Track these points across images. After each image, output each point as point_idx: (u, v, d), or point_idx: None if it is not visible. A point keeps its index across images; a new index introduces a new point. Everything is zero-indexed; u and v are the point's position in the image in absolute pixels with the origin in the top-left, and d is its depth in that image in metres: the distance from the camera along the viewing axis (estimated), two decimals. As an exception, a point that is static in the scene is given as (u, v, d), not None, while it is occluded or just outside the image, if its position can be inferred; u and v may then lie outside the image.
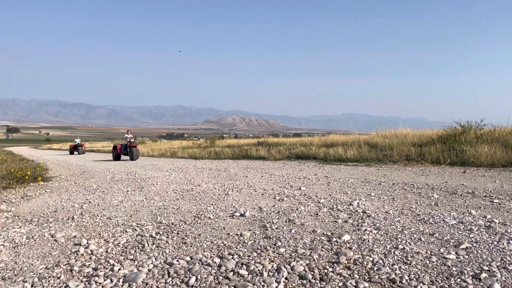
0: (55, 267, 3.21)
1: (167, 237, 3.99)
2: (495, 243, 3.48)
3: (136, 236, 4.10)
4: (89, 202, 6.35)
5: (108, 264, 3.24)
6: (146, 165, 16.32)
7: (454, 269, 2.91)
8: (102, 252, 3.56)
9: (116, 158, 22.63)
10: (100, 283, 2.87)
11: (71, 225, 4.70)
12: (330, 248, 3.49)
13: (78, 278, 2.98)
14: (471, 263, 3.02)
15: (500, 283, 2.65)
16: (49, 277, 3.00)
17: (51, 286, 2.85)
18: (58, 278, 2.99)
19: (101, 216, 5.16)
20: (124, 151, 22.44)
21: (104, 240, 3.97)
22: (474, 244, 3.46)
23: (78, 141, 38.81)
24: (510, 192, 6.26)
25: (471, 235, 3.75)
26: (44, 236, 4.20)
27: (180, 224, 4.55)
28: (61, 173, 12.68)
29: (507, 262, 3.02)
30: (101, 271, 3.08)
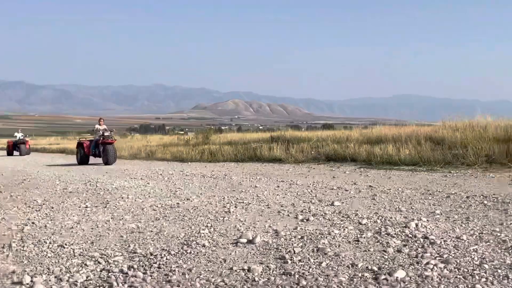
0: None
1: (144, 273, 4.02)
2: None
3: (100, 271, 4.13)
4: (33, 223, 6.41)
5: (62, 312, 3.28)
6: (112, 171, 16.46)
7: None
8: (52, 295, 3.60)
9: (82, 161, 22.31)
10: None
11: (7, 255, 4.75)
12: (377, 289, 3.50)
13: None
14: None
15: None
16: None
17: None
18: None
19: (50, 242, 5.21)
20: (94, 150, 21.71)
21: (55, 277, 4.00)
22: None
23: (19, 136, 37.14)
24: None
25: None
26: (-30, 271, 4.25)
27: (163, 255, 4.58)
28: (-8, 182, 12.81)
29: None
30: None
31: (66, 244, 5.11)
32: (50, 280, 3.91)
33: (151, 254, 4.62)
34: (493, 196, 7.77)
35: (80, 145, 22.74)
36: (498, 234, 5.04)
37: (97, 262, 4.41)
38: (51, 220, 6.62)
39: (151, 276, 3.97)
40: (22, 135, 36.92)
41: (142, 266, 4.24)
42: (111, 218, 6.69)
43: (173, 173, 14.45)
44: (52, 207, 7.83)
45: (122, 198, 8.76)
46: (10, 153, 35.79)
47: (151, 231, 5.72)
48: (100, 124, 22.19)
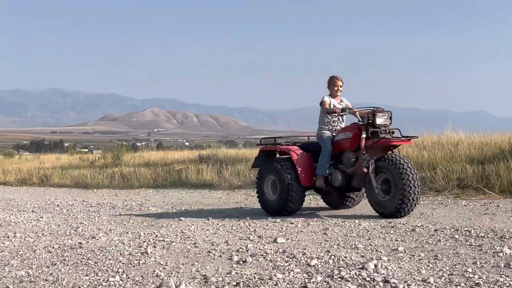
0: None
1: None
2: None
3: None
4: None
5: None
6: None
7: None
8: None
9: None
10: None
11: None
12: None
13: None
14: None
15: None
16: None
17: None
18: None
19: None
20: None
21: None
22: None
23: None
24: None
25: None
26: None
27: (61, 311, 4.54)
28: None
29: None
30: None
31: None
32: None
33: (46, 310, 4.56)
34: (465, 229, 8.02)
35: None
36: (471, 276, 5.21)
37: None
38: None
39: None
40: None
41: (35, 325, 4.19)
42: (-6, 263, 6.55)
43: (74, 204, 14.24)
44: None
45: (8, 237, 8.57)
46: None
47: (46, 279, 5.62)
48: None
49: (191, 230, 8.74)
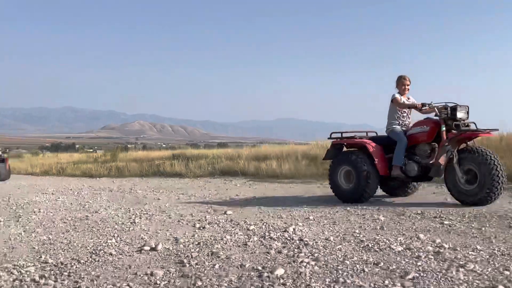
0: None
1: (55, 281, 3.90)
2: (444, 271, 3.82)
3: (13, 281, 3.96)
4: None
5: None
6: (23, 186, 15.59)
7: (401, 303, 3.17)
8: (-33, 305, 3.42)
9: None
10: None
11: None
12: (260, 285, 3.61)
13: None
14: (419, 296, 3.30)
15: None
16: None
17: None
18: None
19: (-36, 256, 4.91)
20: None
21: (-30, 288, 3.80)
22: (422, 274, 3.77)
23: None
24: (461, 212, 6.78)
25: (419, 263, 4.07)
26: None
27: (72, 264, 4.46)
28: None
29: (457, 293, 3.34)
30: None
31: (-20, 257, 4.84)
32: (-36, 292, 3.70)
33: (62, 264, 4.48)
34: (357, 204, 8.15)
35: None
36: (358, 236, 5.35)
37: (10, 273, 4.22)
38: (-36, 234, 6.20)
39: (61, 283, 3.86)
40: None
41: (53, 274, 4.11)
42: (23, 231, 6.39)
43: (82, 188, 13.95)
44: (-34, 223, 7.32)
45: (34, 212, 8.36)
46: None
47: (62, 242, 5.53)
48: None
49: (166, 206, 8.66)
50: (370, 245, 4.81)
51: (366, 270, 3.93)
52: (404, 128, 8.34)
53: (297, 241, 5.10)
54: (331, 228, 5.86)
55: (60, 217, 7.58)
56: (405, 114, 8.47)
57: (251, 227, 6.05)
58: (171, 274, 4.03)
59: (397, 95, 8.32)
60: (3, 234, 6.16)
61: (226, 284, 3.67)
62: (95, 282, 3.87)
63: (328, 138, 9.18)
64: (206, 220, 6.80)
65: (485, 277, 3.67)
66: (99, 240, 5.55)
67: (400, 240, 5.04)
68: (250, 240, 5.27)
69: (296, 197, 9.69)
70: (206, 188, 12.90)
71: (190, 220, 6.86)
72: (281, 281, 3.70)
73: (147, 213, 7.76)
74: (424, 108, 8.01)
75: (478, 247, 4.63)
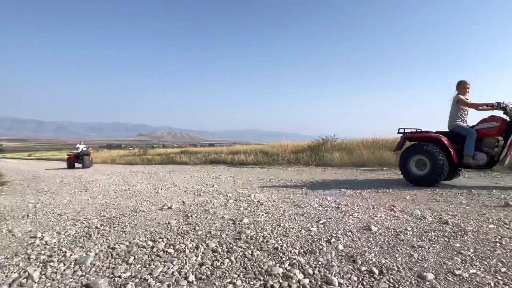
0: (14, 257, 2.92)
1: (109, 228, 3.83)
2: (341, 218, 3.95)
3: (84, 228, 3.86)
4: (42, 202, 5.76)
5: (61, 252, 3.03)
6: (90, 170, 15.08)
7: (315, 237, 3.26)
8: (55, 242, 3.31)
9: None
10: (54, 267, 2.69)
11: (26, 221, 4.25)
12: (234, 229, 3.65)
13: (35, 264, 2.76)
14: (326, 232, 3.40)
15: (342, 245, 3.04)
16: (9, 265, 2.73)
17: (11, 273, 2.60)
18: (17, 265, 2.74)
19: (53, 213, 4.74)
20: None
21: (57, 232, 3.68)
22: (328, 220, 3.89)
23: (82, 147, 19.12)
24: (349, 184, 7.02)
25: (327, 214, 4.19)
26: (3, 231, 3.76)
27: (120, 217, 4.38)
28: (14, 178, 11.19)
29: (347, 230, 3.46)
30: (55, 257, 2.88)
31: (62, 214, 4.68)
32: (53, 234, 3.59)
33: (113, 217, 4.39)
34: (290, 179, 8.26)
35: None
36: (292, 198, 5.43)
37: (82, 223, 4.11)
38: (53, 200, 5.97)
39: (113, 229, 3.79)
40: (84, 147, 19.47)
41: (108, 224, 4.03)
42: (90, 197, 6.20)
43: (126, 172, 13.60)
44: (54, 192, 7.05)
45: (96, 186, 8.11)
46: (71, 166, 18.40)
47: (113, 204, 5.41)
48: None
49: (177, 182, 8.55)
50: (299, 204, 4.90)
51: (296, 218, 4.02)
52: (465, 124, 6.30)
53: (256, 202, 5.13)
54: (276, 194, 5.92)
55: (113, 189, 7.39)
56: (466, 113, 6.38)
57: (229, 194, 6.05)
58: (180, 222, 4.01)
59: (462, 97, 6.22)
60: (77, 200, 5.98)
61: (213, 228, 3.69)
62: (134, 228, 3.81)
63: (398, 133, 6.96)
64: (201, 191, 6.75)
65: (363, 220, 3.82)
66: (137, 203, 5.46)
67: (316, 200, 5.15)
68: (228, 202, 5.28)
69: (255, 176, 9.73)
70: (201, 171, 12.79)
71: (192, 191, 6.81)
72: (246, 226, 3.74)
73: (165, 186, 7.65)
74: (498, 107, 5.90)
75: (360, 203, 4.79)
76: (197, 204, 5.16)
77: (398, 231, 3.37)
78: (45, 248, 3.15)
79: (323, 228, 3.53)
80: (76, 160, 18.07)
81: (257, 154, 16.31)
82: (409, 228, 3.45)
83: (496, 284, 2.25)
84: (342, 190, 6.18)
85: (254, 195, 5.81)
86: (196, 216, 4.29)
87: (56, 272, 2.60)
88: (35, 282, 2.45)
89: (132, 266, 2.69)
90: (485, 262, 2.57)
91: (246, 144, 26.49)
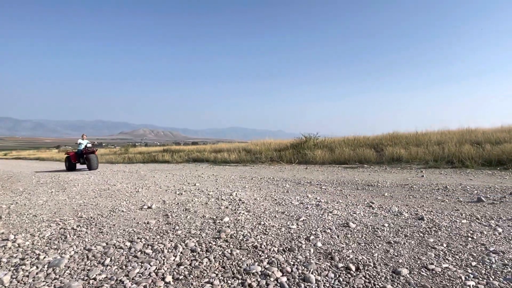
0: (-17, 261, 2.81)
1: (86, 229, 3.73)
2: (320, 215, 3.99)
3: (60, 229, 3.75)
4: (16, 203, 5.56)
5: (34, 254, 2.94)
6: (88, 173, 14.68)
7: (295, 235, 3.28)
8: (28, 245, 3.20)
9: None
10: (27, 270, 2.60)
11: (-3, 224, 4.09)
12: (214, 228, 3.63)
13: (6, 268, 2.66)
14: (305, 230, 3.43)
15: (321, 242, 3.07)
16: (-24, 271, 2.63)
17: (-21, 278, 2.50)
18: (-14, 270, 2.63)
19: (27, 214, 4.58)
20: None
21: (30, 234, 3.56)
22: (308, 217, 3.92)
23: (85, 142, 14.81)
24: (331, 181, 7.11)
25: (307, 212, 4.23)
26: (-30, 236, 3.60)
27: (98, 217, 4.28)
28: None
29: (326, 227, 3.50)
30: (27, 260, 2.79)
31: (38, 215, 4.53)
32: (26, 236, 3.47)
33: (91, 217, 4.28)
34: (272, 177, 8.29)
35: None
36: (273, 196, 5.45)
37: (57, 224, 3.99)
38: (28, 200, 5.78)
39: (90, 230, 3.70)
40: (88, 142, 15.01)
41: (85, 224, 3.93)
42: (67, 197, 6.03)
43: (106, 170, 13.29)
44: (30, 193, 6.81)
45: (74, 185, 7.89)
46: (71, 167, 14.31)
47: (92, 204, 5.28)
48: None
49: (159, 181, 8.44)
50: (280, 202, 4.92)
51: (277, 216, 4.03)
52: None
53: (238, 201, 5.12)
54: (258, 192, 5.92)
55: (91, 189, 7.21)
56: None
57: (210, 193, 6.02)
58: (160, 222, 3.95)
59: None
60: (54, 200, 5.80)
61: (193, 228, 3.66)
62: (112, 228, 3.74)
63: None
64: (183, 189, 6.69)
65: (342, 217, 3.87)
66: (115, 203, 5.34)
67: (297, 198, 5.19)
68: (209, 201, 5.25)
69: (238, 174, 9.71)
70: (184, 170, 12.67)
71: (173, 189, 6.73)
72: (227, 225, 3.73)
73: (146, 185, 7.53)
74: None
75: (340, 200, 4.86)
76: (177, 203, 5.10)
77: (375, 227, 3.44)
78: (17, 251, 3.04)
79: (303, 226, 3.56)
80: (78, 159, 14.31)
81: (240, 152, 16.28)
82: (386, 225, 3.52)
83: (467, 277, 2.32)
84: (323, 187, 6.25)
85: (236, 194, 5.79)
86: (176, 216, 4.24)
87: (28, 276, 2.52)
88: (5, 287, 2.36)
89: (108, 267, 2.63)
90: (457, 257, 2.65)
91: (230, 142, 26.43)
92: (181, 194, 6.09)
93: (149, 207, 4.84)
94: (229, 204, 4.89)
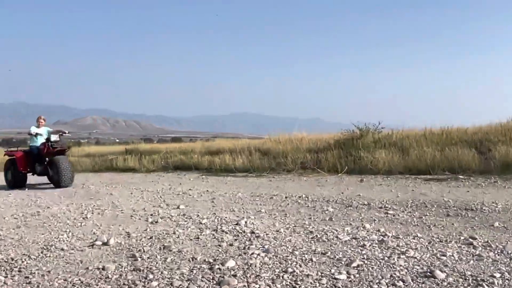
0: None
1: (5, 277, 3.79)
2: (386, 258, 3.95)
3: (-39, 278, 3.83)
4: None
5: None
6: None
7: (345, 291, 3.26)
8: None
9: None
10: None
11: None
12: (211, 277, 3.63)
13: None
14: (362, 283, 3.40)
15: (389, 302, 3.05)
16: None
17: None
18: None
19: None
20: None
21: None
22: (366, 261, 3.89)
23: (45, 131, 12.52)
24: (404, 202, 7.05)
25: (363, 252, 4.20)
26: None
27: (23, 259, 4.34)
28: None
29: (396, 278, 3.47)
30: None
31: None
32: None
33: (12, 259, 4.35)
34: (305, 196, 8.31)
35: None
36: (307, 227, 5.45)
37: (-42, 270, 4.08)
38: None
39: (12, 279, 3.76)
40: (51, 132, 12.52)
41: (4, 270, 4.00)
42: (-28, 228, 6.17)
43: (34, 184, 13.53)
44: None
45: (-17, 208, 8.07)
46: (19, 181, 12.49)
47: (13, 238, 5.37)
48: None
49: (119, 201, 8.53)
50: (318, 236, 4.91)
51: (314, 259, 4.02)
52: None
53: (249, 234, 5.13)
54: (282, 220, 5.93)
55: (11, 214, 7.34)
56: None
57: (204, 221, 6.04)
58: (123, 268, 3.99)
59: None
60: (-50, 231, 5.93)
61: (177, 277, 3.67)
62: (46, 277, 3.79)
63: None
64: (158, 215, 6.74)
65: (423, 261, 3.83)
66: (51, 236, 5.42)
67: (347, 230, 5.16)
68: (203, 233, 5.27)
69: (248, 190, 9.74)
70: (159, 182, 12.79)
71: (143, 215, 6.79)
72: (232, 272, 3.73)
73: (99, 208, 7.63)
74: None
75: (419, 234, 4.81)
76: (151, 238, 5.12)
77: (479, 278, 3.40)
78: None
79: (357, 276, 3.54)
80: (32, 166, 12.51)
81: (252, 154, 16.30)
82: (497, 274, 3.47)
83: None
84: (390, 213, 6.20)
85: (246, 222, 5.79)
86: (149, 257, 4.27)
87: None
88: None
89: None
90: None
91: (234, 138, 26.52)
92: (156, 222, 6.12)
93: (104, 243, 4.88)
94: (235, 239, 4.88)
